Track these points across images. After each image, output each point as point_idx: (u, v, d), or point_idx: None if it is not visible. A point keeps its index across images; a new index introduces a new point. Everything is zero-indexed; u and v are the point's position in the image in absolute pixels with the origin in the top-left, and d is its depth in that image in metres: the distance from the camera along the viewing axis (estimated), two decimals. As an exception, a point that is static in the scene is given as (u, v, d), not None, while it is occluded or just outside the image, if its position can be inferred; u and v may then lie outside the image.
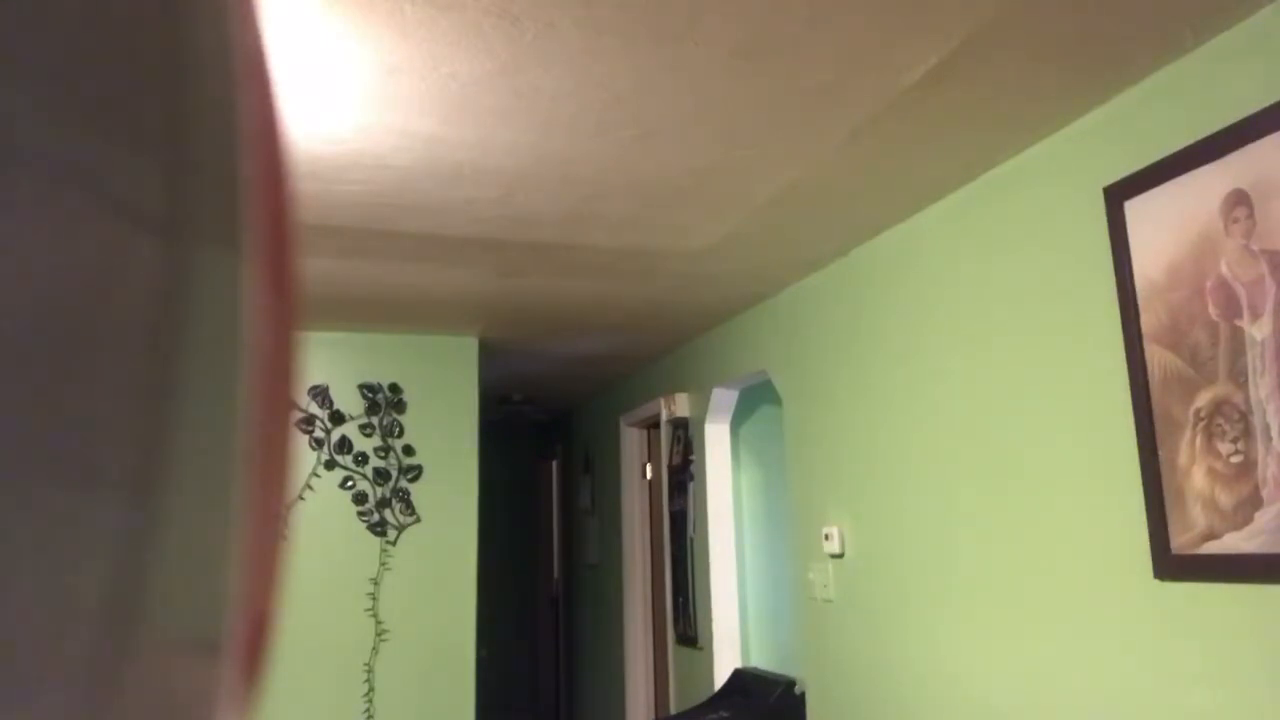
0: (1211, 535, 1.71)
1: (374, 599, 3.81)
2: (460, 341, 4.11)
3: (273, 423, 0.26)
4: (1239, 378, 1.66)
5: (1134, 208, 1.89)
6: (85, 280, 0.20)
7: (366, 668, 3.76)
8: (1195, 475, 1.74)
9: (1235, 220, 1.68)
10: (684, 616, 4.42)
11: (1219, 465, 1.70)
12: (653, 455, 5.15)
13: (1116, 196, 1.93)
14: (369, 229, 2.70)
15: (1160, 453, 1.82)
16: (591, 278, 3.29)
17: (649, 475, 5.21)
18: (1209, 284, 1.73)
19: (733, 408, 4.25)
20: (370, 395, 3.96)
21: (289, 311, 0.27)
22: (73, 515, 0.19)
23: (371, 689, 3.75)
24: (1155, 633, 1.85)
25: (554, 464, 7.05)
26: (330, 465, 3.87)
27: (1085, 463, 2.04)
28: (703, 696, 4.10)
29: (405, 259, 3.01)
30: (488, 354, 4.35)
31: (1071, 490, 2.08)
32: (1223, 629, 1.71)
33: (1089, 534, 2.02)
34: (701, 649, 4.23)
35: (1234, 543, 1.66)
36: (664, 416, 4.63)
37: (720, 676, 4.05)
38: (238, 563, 0.24)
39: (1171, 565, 1.79)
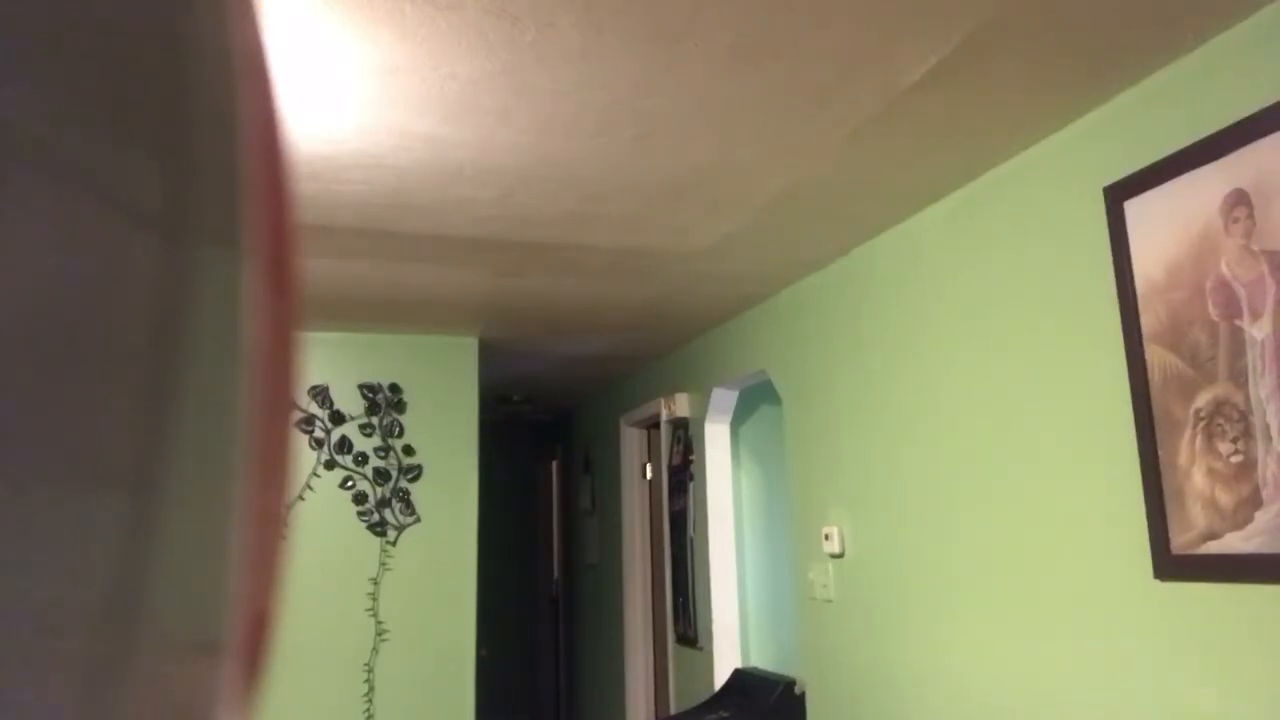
0: (1211, 535, 1.71)
1: (374, 599, 3.81)
2: (460, 341, 4.11)
3: (273, 422, 0.26)
4: (1239, 378, 1.66)
5: (1134, 208, 1.89)
6: (85, 280, 0.20)
7: (366, 668, 3.76)
8: (1195, 475, 1.74)
9: (1235, 220, 1.68)
10: (684, 616, 4.42)
11: (1219, 465, 1.69)
12: (653, 455, 5.15)
13: (1116, 196, 1.93)
14: (369, 229, 2.70)
15: (1160, 453, 1.82)
16: (591, 278, 3.29)
17: (649, 475, 5.20)
18: (1209, 284, 1.72)
19: (733, 408, 4.25)
20: (370, 395, 3.96)
21: (289, 311, 0.27)
22: (73, 515, 0.19)
23: (371, 689, 3.75)
24: (1155, 633, 1.85)
25: (554, 464, 7.05)
26: (330, 465, 3.87)
27: (1085, 463, 2.04)
28: (703, 696, 4.10)
29: (405, 259, 3.01)
30: (488, 354, 4.35)
31: (1071, 490, 2.08)
32: (1223, 629, 1.71)
33: (1089, 534, 2.02)
34: (701, 649, 4.23)
35: (1234, 543, 1.66)
36: (664, 416, 4.63)
37: (720, 676, 4.05)
38: (238, 563, 0.24)
39: (1171, 565, 1.79)
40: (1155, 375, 1.83)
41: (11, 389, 0.18)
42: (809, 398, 3.29)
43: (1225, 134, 1.70)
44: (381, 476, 3.92)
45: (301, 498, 3.82)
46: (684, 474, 4.44)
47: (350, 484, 3.87)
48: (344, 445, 3.89)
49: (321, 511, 3.82)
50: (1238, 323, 1.67)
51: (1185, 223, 1.78)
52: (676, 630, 4.53)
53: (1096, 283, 2.00)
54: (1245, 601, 1.66)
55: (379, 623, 3.80)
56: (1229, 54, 1.72)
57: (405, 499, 3.93)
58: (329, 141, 2.10)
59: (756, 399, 4.37)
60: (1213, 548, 1.70)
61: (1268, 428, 1.61)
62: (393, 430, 3.96)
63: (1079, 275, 2.06)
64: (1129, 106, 1.95)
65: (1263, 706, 1.63)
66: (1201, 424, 1.73)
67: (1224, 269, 1.70)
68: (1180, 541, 1.77)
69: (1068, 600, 2.08)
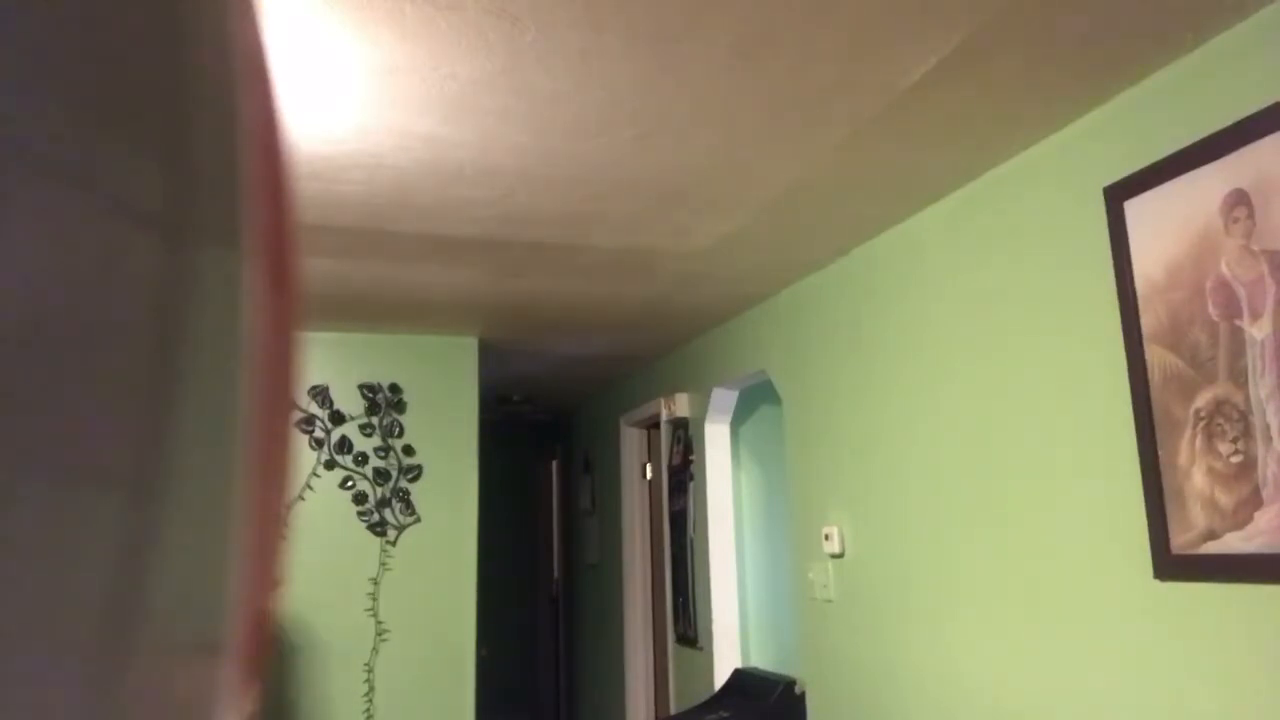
0: (1211, 535, 1.71)
1: (374, 599, 3.81)
2: (460, 341, 4.11)
3: (273, 422, 0.26)
4: (1239, 378, 1.66)
5: (1134, 208, 1.89)
6: (85, 280, 0.20)
7: (366, 668, 3.76)
8: (1195, 475, 1.74)
9: (1235, 220, 1.68)
10: (684, 616, 4.42)
11: (1219, 465, 1.69)
12: (653, 455, 5.15)
13: (1116, 196, 1.93)
14: (369, 229, 2.70)
15: (1160, 453, 1.82)
16: (591, 278, 3.29)
17: (649, 475, 5.20)
18: (1209, 284, 1.72)
19: (733, 408, 4.25)
20: (370, 395, 3.96)
21: (289, 311, 0.27)
22: (73, 515, 0.19)
23: (371, 689, 3.75)
24: (1155, 633, 1.85)
25: (554, 464, 7.05)
26: (330, 465, 3.86)
27: (1085, 462, 2.04)
28: (703, 696, 4.10)
29: (405, 259, 3.01)
30: (488, 354, 4.35)
31: (1071, 490, 2.08)
32: (1223, 629, 1.71)
33: (1089, 534, 2.02)
34: (701, 649, 4.23)
35: (1234, 543, 1.66)
36: (664, 416, 4.63)
37: (720, 676, 4.05)
38: (238, 563, 0.24)
39: (1171, 565, 1.79)
40: (1155, 375, 1.83)
41: (12, 389, 0.18)
42: (809, 398, 3.29)
43: (1225, 134, 1.70)
44: (381, 476, 3.92)
45: (301, 498, 3.82)
46: (684, 474, 4.44)
47: (350, 484, 3.87)
48: (344, 445, 3.89)
49: (321, 511, 3.82)
50: (1238, 323, 1.67)
51: (1185, 223, 1.78)
52: (676, 630, 4.53)
53: (1096, 283, 2.00)
54: (1245, 601, 1.66)
55: (379, 623, 3.80)
56: (1229, 54, 1.72)
57: (405, 499, 3.93)
58: (329, 141, 2.10)
59: (756, 399, 4.36)
60: (1213, 548, 1.70)
61: (1268, 428, 1.61)
62: (393, 430, 3.96)
63: (1079, 275, 2.06)
64: (1129, 106, 1.95)
65: (1262, 706, 1.63)
66: (1201, 424, 1.73)
67: (1224, 269, 1.70)
68: (1180, 541, 1.77)
69: (1067, 600, 2.08)
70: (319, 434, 3.88)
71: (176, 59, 0.22)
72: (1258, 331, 1.63)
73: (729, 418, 4.26)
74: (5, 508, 0.18)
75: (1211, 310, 1.72)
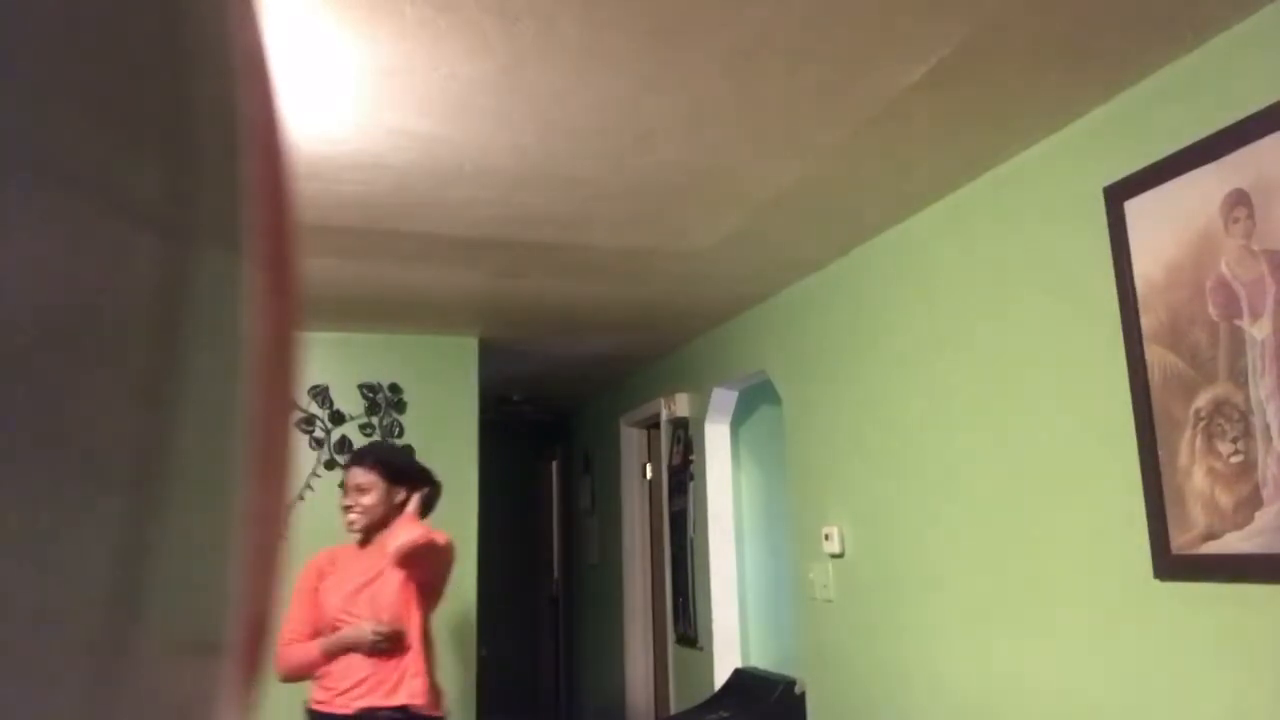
0: (1211, 535, 1.71)
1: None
2: (460, 341, 4.11)
3: (273, 423, 0.26)
4: (1239, 378, 1.66)
5: (1134, 208, 1.89)
6: (86, 280, 0.20)
7: (366, 668, 3.75)
8: (1195, 475, 1.74)
9: (1235, 220, 1.68)
10: (684, 616, 4.42)
11: (1219, 465, 1.69)
12: (653, 455, 5.15)
13: (1116, 196, 1.93)
14: (369, 229, 2.70)
15: (1160, 453, 1.82)
16: (591, 278, 3.29)
17: (649, 475, 5.20)
18: (1209, 284, 1.72)
19: (733, 408, 4.25)
20: (370, 395, 3.95)
21: (289, 311, 0.27)
22: (73, 514, 0.19)
23: (371, 689, 3.74)
24: (1155, 633, 1.85)
25: (554, 464, 7.05)
26: (330, 465, 3.86)
27: (1085, 463, 2.04)
28: (703, 696, 4.10)
29: (405, 259, 3.01)
30: (488, 354, 4.35)
31: (1071, 490, 2.08)
32: (1223, 629, 1.70)
33: (1089, 534, 2.02)
34: (701, 649, 4.23)
35: (1234, 543, 1.66)
36: (664, 416, 4.63)
37: (720, 676, 4.05)
38: (237, 563, 0.24)
39: (1171, 565, 1.79)
40: (1155, 375, 1.83)
41: (12, 390, 0.18)
42: (809, 398, 3.29)
43: (1225, 134, 1.70)
44: (381, 476, 3.91)
45: (301, 498, 3.82)
46: (684, 474, 4.44)
47: (350, 484, 3.86)
48: (344, 445, 3.89)
49: (321, 511, 3.82)
50: (1238, 323, 1.67)
51: (1185, 223, 1.78)
52: (676, 630, 4.53)
53: (1097, 283, 2.00)
54: (1245, 601, 1.66)
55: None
56: (1229, 54, 1.72)
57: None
58: (328, 141, 2.10)
59: (756, 399, 4.36)
60: (1213, 548, 1.70)
61: (1268, 428, 1.61)
62: (393, 430, 3.96)
63: (1079, 275, 2.06)
64: (1129, 106, 1.95)
65: (1263, 706, 1.63)
66: (1201, 424, 1.73)
67: (1224, 269, 1.70)
68: (1180, 541, 1.77)
69: (1068, 600, 2.08)
70: (319, 434, 3.87)
71: (176, 59, 0.22)
72: (1258, 331, 1.63)
73: (729, 418, 4.26)
74: (5, 508, 0.18)
75: (1211, 310, 1.72)
